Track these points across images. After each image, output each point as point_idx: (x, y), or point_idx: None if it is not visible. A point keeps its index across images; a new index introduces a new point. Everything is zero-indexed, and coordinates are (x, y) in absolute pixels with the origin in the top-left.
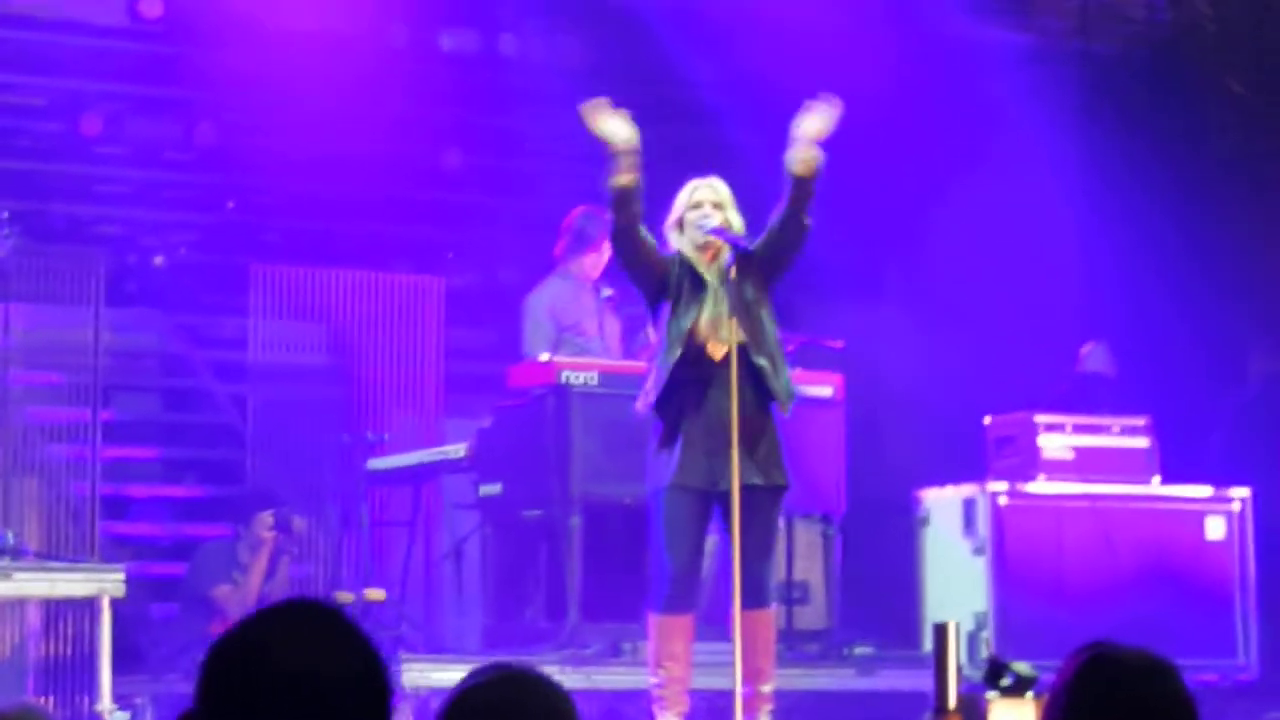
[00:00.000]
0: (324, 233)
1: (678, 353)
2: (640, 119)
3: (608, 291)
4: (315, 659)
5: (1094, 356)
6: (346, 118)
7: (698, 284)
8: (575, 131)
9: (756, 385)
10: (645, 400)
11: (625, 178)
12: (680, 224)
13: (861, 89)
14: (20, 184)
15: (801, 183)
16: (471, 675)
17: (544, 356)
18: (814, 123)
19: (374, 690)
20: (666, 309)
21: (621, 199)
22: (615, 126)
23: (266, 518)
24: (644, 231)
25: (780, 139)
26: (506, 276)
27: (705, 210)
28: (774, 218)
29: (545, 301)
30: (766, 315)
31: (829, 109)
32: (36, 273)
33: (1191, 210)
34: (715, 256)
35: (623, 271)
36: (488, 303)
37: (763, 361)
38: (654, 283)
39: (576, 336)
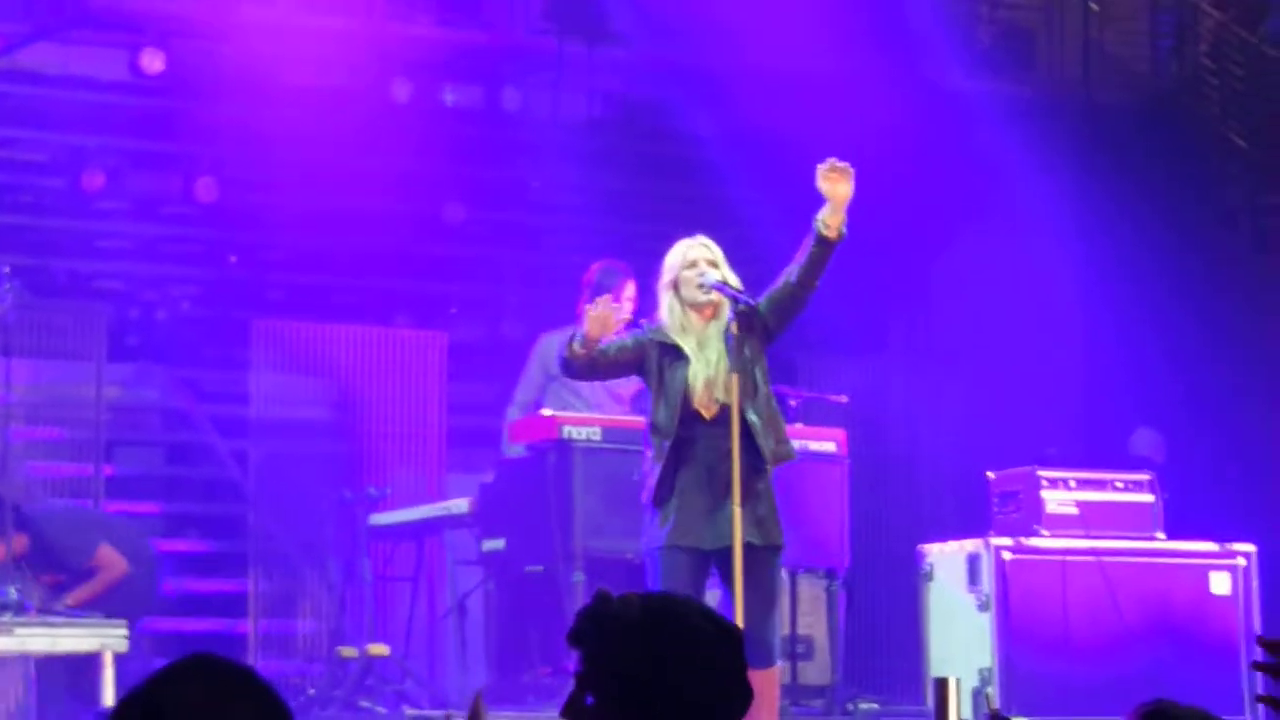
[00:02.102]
0: (326, 287)
1: (670, 431)
2: (640, 172)
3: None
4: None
5: (1142, 441)
6: (349, 172)
7: (677, 356)
8: (577, 185)
9: (749, 443)
10: (648, 492)
11: (585, 352)
12: (675, 284)
13: (863, 143)
14: (22, 239)
15: (827, 244)
16: None
17: (546, 411)
18: (844, 188)
19: None
20: (648, 394)
21: (578, 361)
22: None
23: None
24: (602, 354)
25: (780, 194)
26: (510, 330)
27: (701, 268)
28: (788, 273)
29: (542, 348)
30: (761, 373)
31: (848, 172)
32: (38, 328)
33: (1194, 264)
34: (714, 314)
35: (557, 364)
36: (491, 357)
37: (753, 418)
38: (629, 370)
39: (562, 387)
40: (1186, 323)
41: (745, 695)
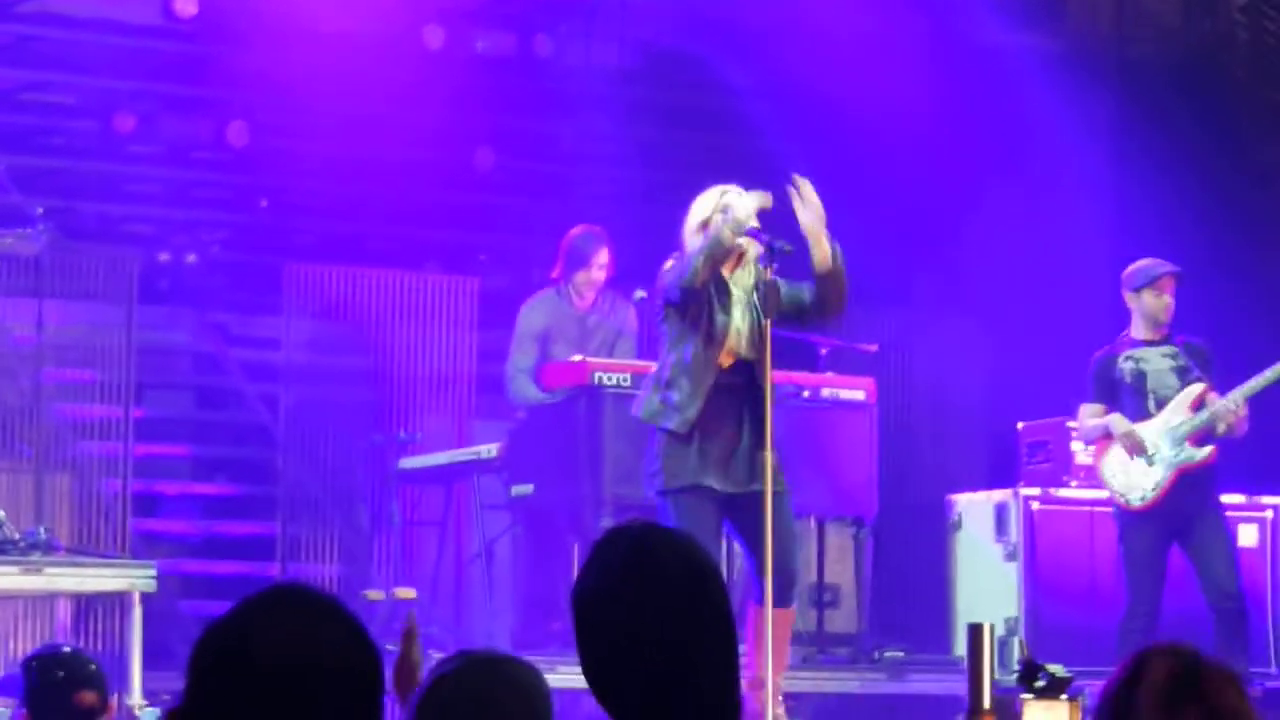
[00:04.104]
0: (357, 233)
1: (706, 372)
2: (671, 123)
3: (640, 294)
4: (302, 648)
5: None
6: (380, 118)
7: (724, 293)
8: (609, 134)
9: (756, 394)
10: (682, 415)
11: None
12: (706, 228)
13: (897, 94)
14: (54, 182)
15: (824, 279)
16: (440, 664)
17: (576, 356)
18: (806, 213)
19: (363, 680)
20: (690, 320)
21: (726, 256)
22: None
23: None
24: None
25: (812, 147)
26: (540, 277)
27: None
28: (810, 294)
29: (526, 317)
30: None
31: (807, 191)
32: (70, 270)
33: (1227, 219)
34: (739, 264)
35: (677, 293)
36: (521, 303)
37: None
38: (696, 301)
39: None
40: (1220, 280)
41: (725, 638)
